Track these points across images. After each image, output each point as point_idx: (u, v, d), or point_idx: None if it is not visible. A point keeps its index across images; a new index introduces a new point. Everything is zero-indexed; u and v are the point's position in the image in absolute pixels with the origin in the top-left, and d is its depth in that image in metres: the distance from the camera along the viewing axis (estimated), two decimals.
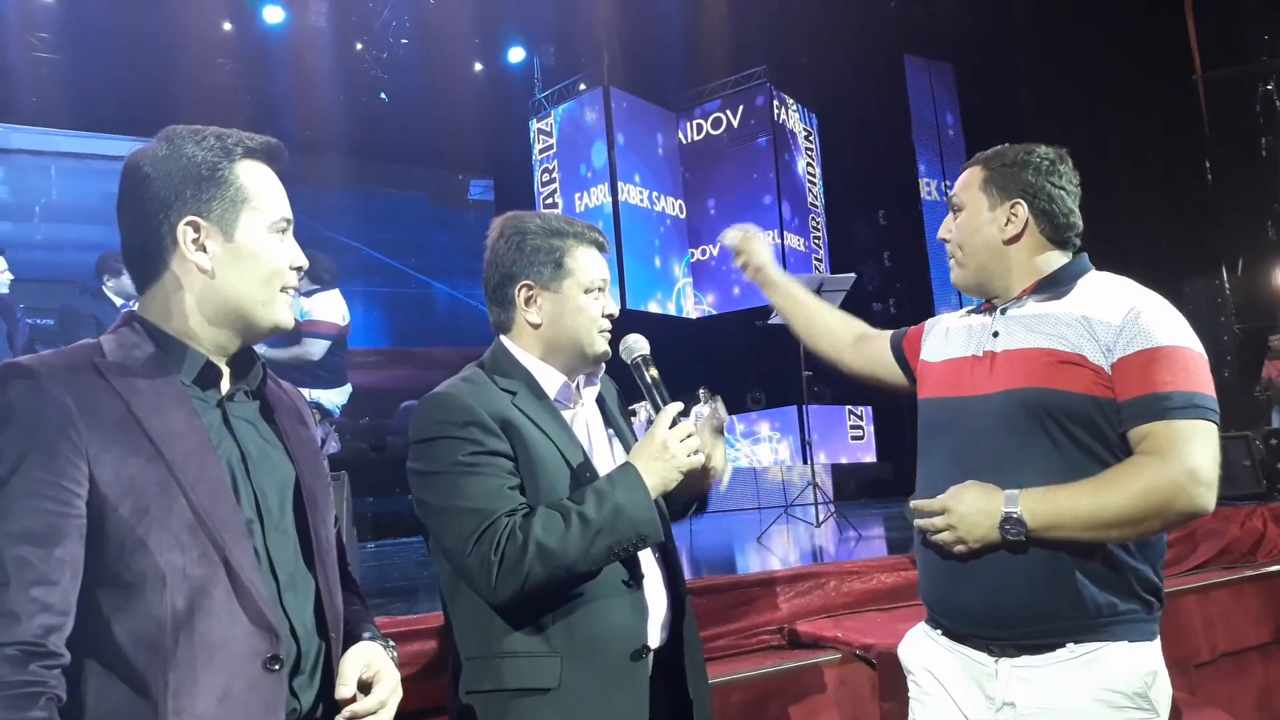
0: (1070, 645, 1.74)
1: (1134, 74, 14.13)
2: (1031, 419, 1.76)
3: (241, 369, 1.50)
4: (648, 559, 1.88)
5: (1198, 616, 3.74)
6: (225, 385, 1.47)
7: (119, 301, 8.24)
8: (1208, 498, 1.66)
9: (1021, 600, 1.74)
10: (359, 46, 13.25)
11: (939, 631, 1.93)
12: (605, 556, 1.72)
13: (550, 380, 1.92)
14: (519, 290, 1.91)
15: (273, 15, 12.30)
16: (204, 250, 1.41)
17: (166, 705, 1.25)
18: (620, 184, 12.51)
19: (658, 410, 1.81)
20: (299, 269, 1.49)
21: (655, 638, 1.85)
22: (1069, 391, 1.75)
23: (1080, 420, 1.75)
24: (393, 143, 13.48)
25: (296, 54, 12.40)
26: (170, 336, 1.43)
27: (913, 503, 1.85)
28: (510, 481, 1.77)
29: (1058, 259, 1.92)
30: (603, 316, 1.93)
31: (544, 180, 13.47)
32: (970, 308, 2.08)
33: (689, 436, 1.77)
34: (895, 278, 14.69)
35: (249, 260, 1.44)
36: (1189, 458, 1.65)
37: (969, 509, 1.73)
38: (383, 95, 13.48)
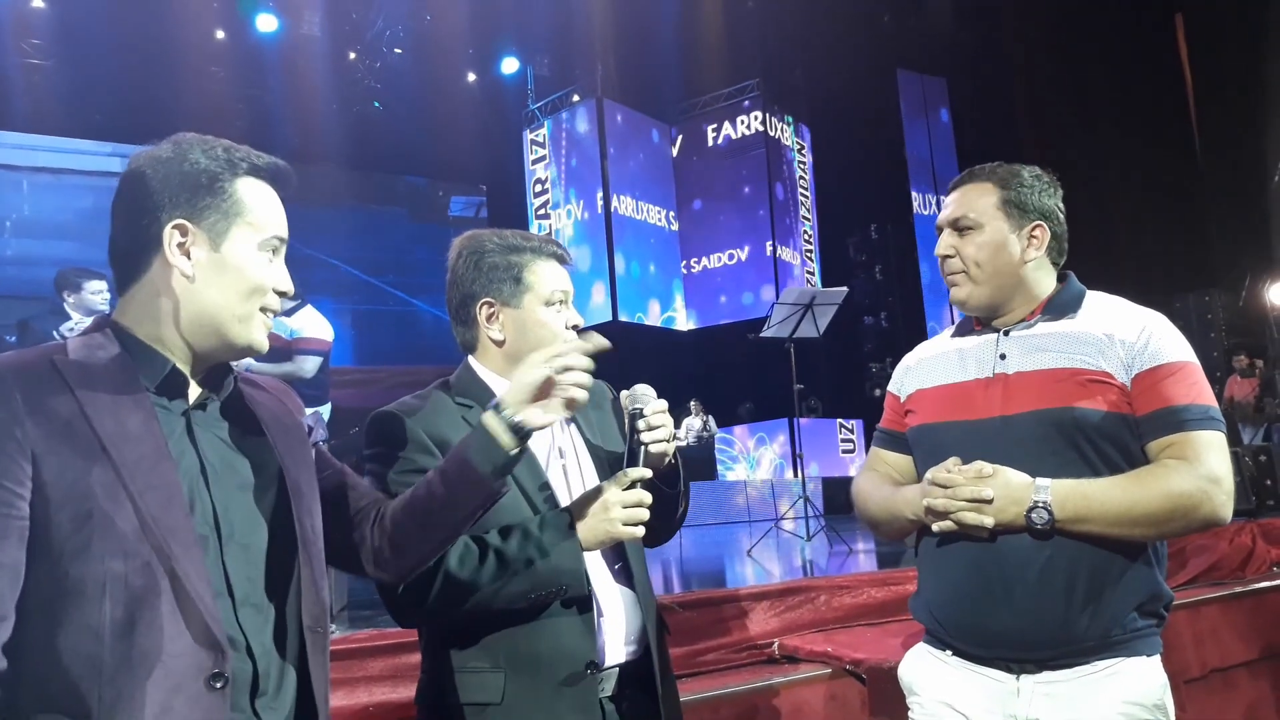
0: (1095, 661, 1.75)
1: (1127, 89, 14.23)
2: (1064, 438, 1.77)
3: (212, 381, 1.45)
4: (603, 576, 1.86)
5: (1188, 632, 3.74)
6: (193, 395, 1.42)
7: (76, 317, 8.21)
8: (1228, 507, 1.72)
9: (1056, 622, 1.74)
10: (352, 56, 13.27)
11: (948, 652, 1.89)
12: (521, 599, 1.72)
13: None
14: (480, 308, 1.92)
15: (266, 24, 12.31)
16: (188, 256, 1.37)
17: None
18: (613, 195, 12.53)
19: (631, 464, 1.79)
20: (283, 293, 1.45)
21: (615, 654, 1.84)
22: (1099, 410, 1.77)
23: (1110, 437, 1.77)
24: (385, 152, 13.49)
25: (289, 63, 12.41)
26: (141, 341, 1.38)
27: (941, 473, 1.79)
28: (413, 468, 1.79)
29: (1054, 280, 1.95)
30: (567, 328, 1.92)
31: (536, 190, 13.51)
32: (953, 332, 2.06)
33: (636, 506, 1.74)
34: (887, 291, 14.73)
35: (233, 273, 1.40)
36: (1213, 466, 1.71)
37: (1001, 490, 1.73)
38: (376, 104, 13.49)
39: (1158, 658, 1.79)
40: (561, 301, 1.92)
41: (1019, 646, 1.78)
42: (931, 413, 1.97)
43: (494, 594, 1.71)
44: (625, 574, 1.90)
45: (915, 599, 2.01)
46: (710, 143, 13.88)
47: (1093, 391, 1.77)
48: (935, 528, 1.80)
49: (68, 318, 10.62)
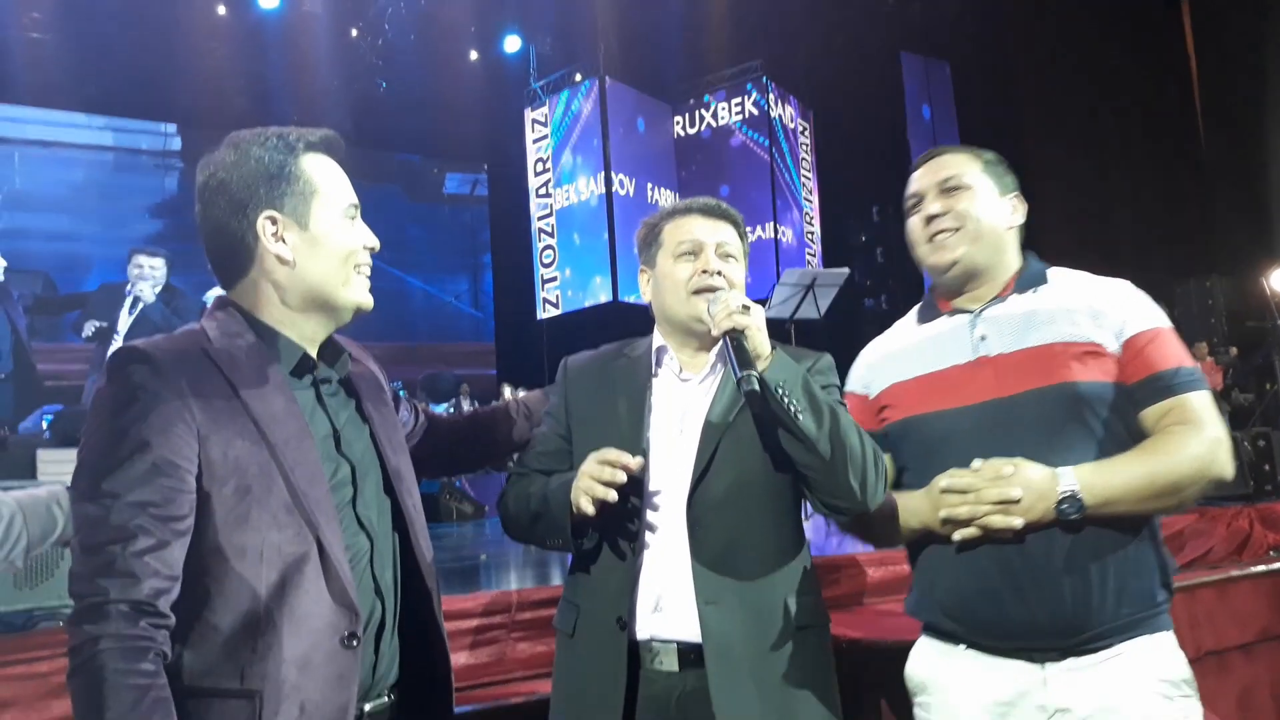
0: (1120, 642, 1.71)
1: (1131, 73, 14.16)
2: (1070, 415, 1.74)
3: (330, 357, 1.62)
4: (665, 535, 1.81)
5: (1184, 615, 3.75)
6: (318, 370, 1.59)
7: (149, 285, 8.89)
8: (1231, 464, 1.72)
9: (1085, 608, 1.70)
10: (354, 33, 13.20)
11: (961, 646, 1.83)
12: (549, 541, 1.87)
13: (655, 347, 1.99)
14: (641, 272, 2.04)
15: (268, 0, 12.23)
16: (284, 241, 1.52)
17: (253, 669, 1.36)
18: (614, 175, 12.48)
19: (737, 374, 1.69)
20: (372, 249, 1.61)
21: (666, 626, 1.79)
22: (1099, 381, 1.75)
23: (1113, 408, 1.75)
24: (386, 130, 13.44)
25: (290, 40, 12.34)
26: (265, 325, 1.54)
27: (958, 480, 1.71)
28: (543, 445, 1.98)
29: (1020, 258, 1.93)
30: (700, 274, 1.88)
31: (537, 170, 13.45)
32: (917, 319, 2.02)
33: (600, 480, 1.71)
34: (888, 274, 14.69)
35: (325, 245, 1.54)
36: (1215, 426, 1.72)
37: (1026, 486, 1.68)
38: (381, 84, 13.42)
39: (1170, 632, 1.77)
40: (690, 252, 1.92)
41: (1046, 636, 1.73)
42: (915, 404, 1.91)
43: (531, 533, 1.89)
44: (705, 547, 1.79)
45: (917, 600, 1.93)
46: (712, 123, 13.82)
47: (1089, 364, 1.75)
48: (956, 536, 1.73)
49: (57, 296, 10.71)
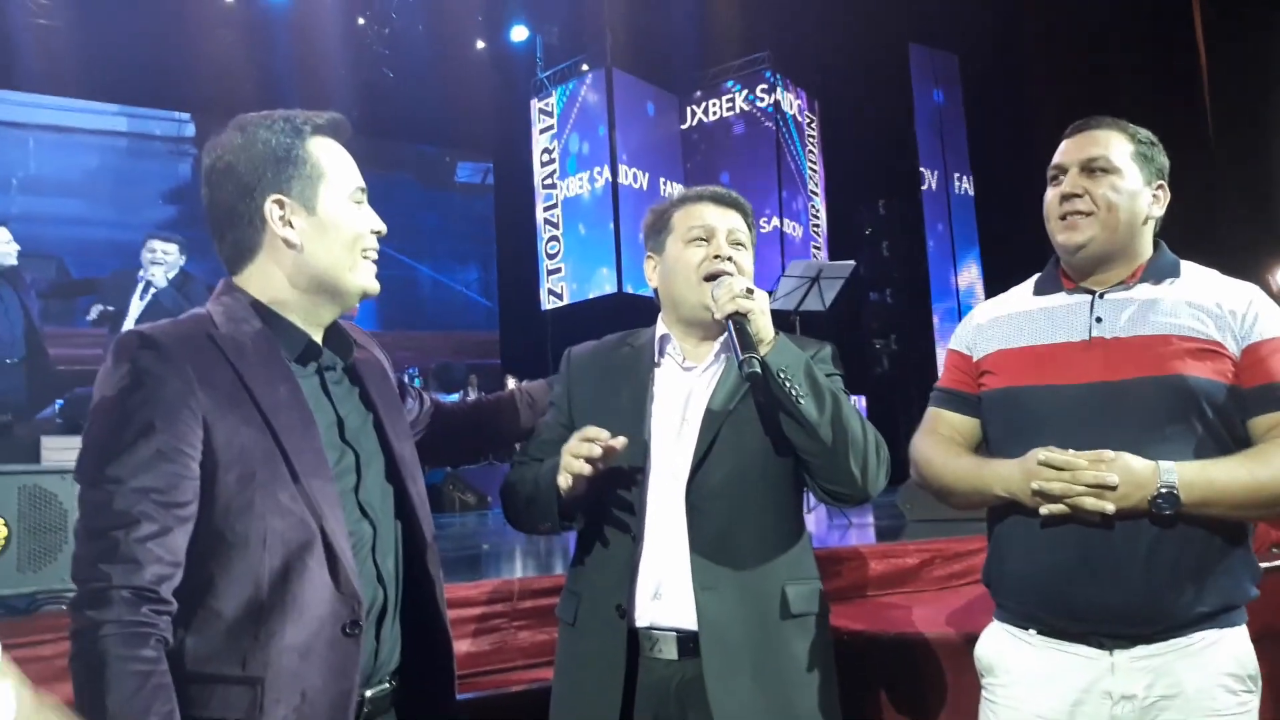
0: (1192, 633, 1.70)
1: (1140, 68, 14.10)
2: (1175, 408, 1.72)
3: (335, 343, 1.61)
4: (665, 522, 1.82)
5: None
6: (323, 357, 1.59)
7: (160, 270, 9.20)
8: None
9: (1162, 599, 1.69)
10: (361, 21, 13.16)
11: (1031, 631, 1.82)
12: (542, 523, 1.87)
13: (658, 336, 1.98)
14: (647, 259, 2.02)
15: None
16: (291, 225, 1.51)
17: (255, 656, 1.36)
18: (620, 167, 12.45)
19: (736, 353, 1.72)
20: (378, 233, 1.60)
21: (662, 614, 1.80)
22: (1212, 379, 1.72)
23: (1220, 409, 1.72)
24: (393, 119, 13.39)
25: (297, 27, 12.31)
26: (271, 311, 1.53)
27: (1057, 456, 1.69)
28: (546, 434, 1.98)
29: (1152, 245, 1.89)
30: (712, 259, 1.89)
31: (543, 160, 13.41)
32: (1035, 289, 1.97)
33: (580, 457, 1.72)
34: (893, 267, 14.63)
35: (333, 230, 1.53)
36: None
37: (1125, 475, 1.65)
38: (389, 73, 13.38)
39: (1245, 626, 1.76)
40: (702, 238, 1.92)
41: (1118, 622, 1.72)
42: (1017, 375, 1.88)
43: (527, 517, 1.89)
44: (703, 534, 1.80)
45: (993, 572, 1.92)
46: (719, 114, 13.78)
47: (1205, 360, 1.72)
48: (1044, 510, 1.71)
49: (70, 281, 10.80)
